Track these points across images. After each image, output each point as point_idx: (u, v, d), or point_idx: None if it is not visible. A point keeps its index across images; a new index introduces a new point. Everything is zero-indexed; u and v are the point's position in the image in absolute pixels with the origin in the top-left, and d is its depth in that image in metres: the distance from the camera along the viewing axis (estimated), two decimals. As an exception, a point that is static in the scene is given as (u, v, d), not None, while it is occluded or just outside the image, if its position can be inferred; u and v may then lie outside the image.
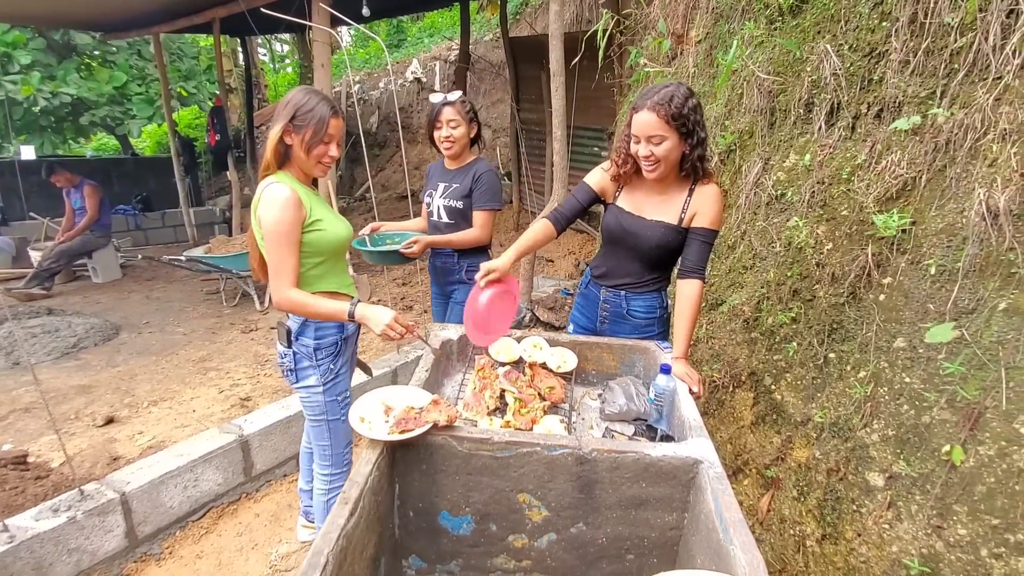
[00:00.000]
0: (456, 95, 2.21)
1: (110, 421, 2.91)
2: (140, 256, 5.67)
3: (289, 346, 1.74)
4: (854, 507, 1.61)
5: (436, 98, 2.22)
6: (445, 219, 2.35)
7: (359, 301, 1.67)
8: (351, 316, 1.63)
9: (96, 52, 8.60)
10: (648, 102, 1.55)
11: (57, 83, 7.60)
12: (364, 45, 14.64)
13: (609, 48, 2.88)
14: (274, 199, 1.56)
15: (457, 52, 9.31)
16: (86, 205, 5.41)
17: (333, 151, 1.67)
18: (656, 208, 1.74)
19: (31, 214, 6.99)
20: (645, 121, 1.55)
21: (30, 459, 2.52)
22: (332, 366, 1.78)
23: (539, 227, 1.87)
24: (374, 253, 2.30)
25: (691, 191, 1.70)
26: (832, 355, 1.85)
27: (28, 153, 7.33)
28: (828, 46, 2.08)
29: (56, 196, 5.77)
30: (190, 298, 5.26)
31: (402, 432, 1.27)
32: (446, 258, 2.42)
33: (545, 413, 1.58)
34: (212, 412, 2.99)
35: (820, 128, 2.11)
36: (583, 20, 7.62)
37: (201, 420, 2.90)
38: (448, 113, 2.20)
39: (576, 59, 3.71)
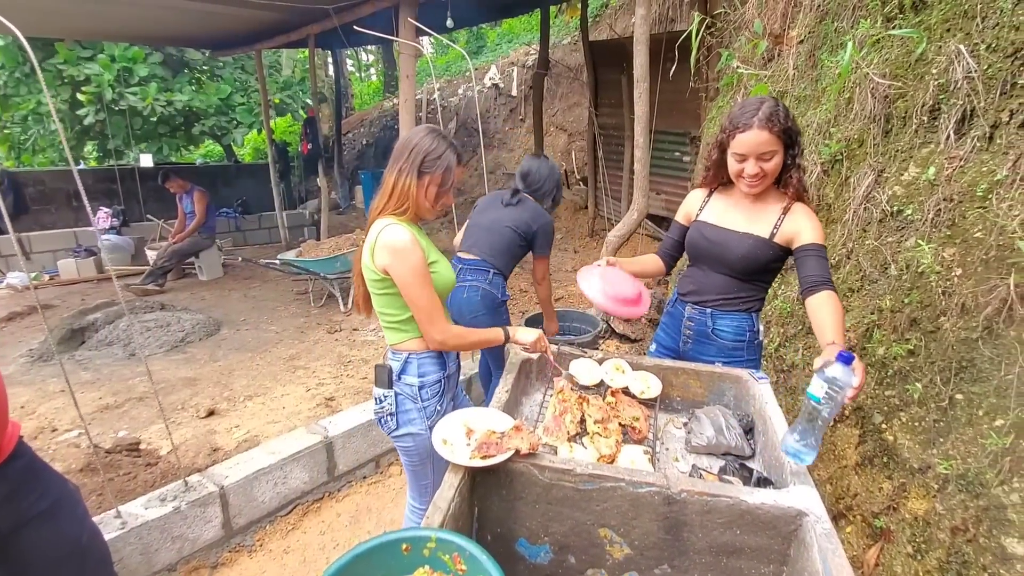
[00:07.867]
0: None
1: (211, 413, 3.15)
2: (240, 259, 6.11)
3: (390, 387, 1.65)
4: (986, 574, 1.41)
5: None
6: None
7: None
8: (507, 336, 1.72)
9: (205, 67, 9.45)
10: (755, 120, 1.51)
11: (172, 94, 8.43)
12: (444, 52, 15.03)
13: (698, 51, 2.74)
14: (400, 243, 1.51)
15: (534, 56, 9.32)
16: (196, 209, 5.91)
17: (451, 197, 1.65)
18: (748, 221, 1.70)
19: (148, 216, 7.77)
20: (756, 140, 1.52)
21: (142, 446, 2.77)
22: (439, 407, 1.68)
23: (650, 258, 1.93)
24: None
25: (785, 209, 1.64)
26: (960, 396, 1.63)
27: (147, 161, 8.16)
28: (961, 46, 1.85)
29: (169, 200, 6.37)
30: (282, 297, 5.62)
31: (484, 457, 1.25)
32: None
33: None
34: (300, 410, 3.16)
35: (948, 137, 1.88)
36: (666, 20, 7.37)
37: (290, 417, 3.07)
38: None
39: (660, 63, 3.58)
